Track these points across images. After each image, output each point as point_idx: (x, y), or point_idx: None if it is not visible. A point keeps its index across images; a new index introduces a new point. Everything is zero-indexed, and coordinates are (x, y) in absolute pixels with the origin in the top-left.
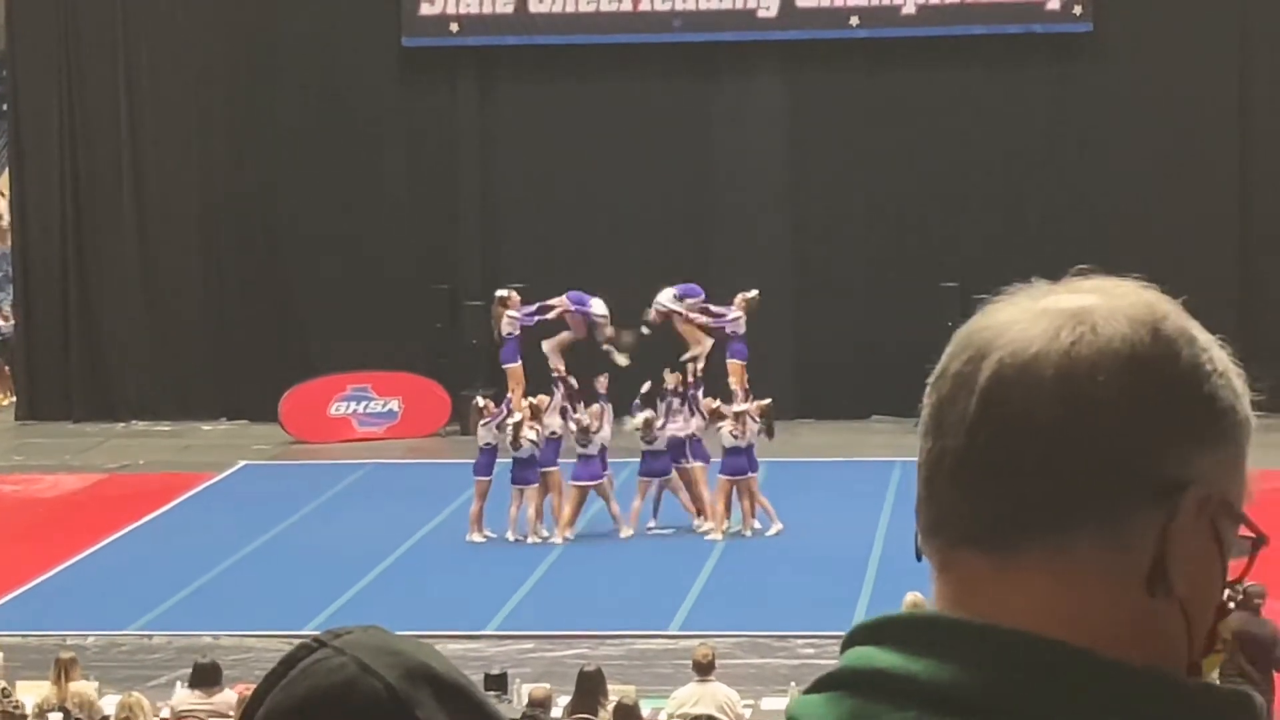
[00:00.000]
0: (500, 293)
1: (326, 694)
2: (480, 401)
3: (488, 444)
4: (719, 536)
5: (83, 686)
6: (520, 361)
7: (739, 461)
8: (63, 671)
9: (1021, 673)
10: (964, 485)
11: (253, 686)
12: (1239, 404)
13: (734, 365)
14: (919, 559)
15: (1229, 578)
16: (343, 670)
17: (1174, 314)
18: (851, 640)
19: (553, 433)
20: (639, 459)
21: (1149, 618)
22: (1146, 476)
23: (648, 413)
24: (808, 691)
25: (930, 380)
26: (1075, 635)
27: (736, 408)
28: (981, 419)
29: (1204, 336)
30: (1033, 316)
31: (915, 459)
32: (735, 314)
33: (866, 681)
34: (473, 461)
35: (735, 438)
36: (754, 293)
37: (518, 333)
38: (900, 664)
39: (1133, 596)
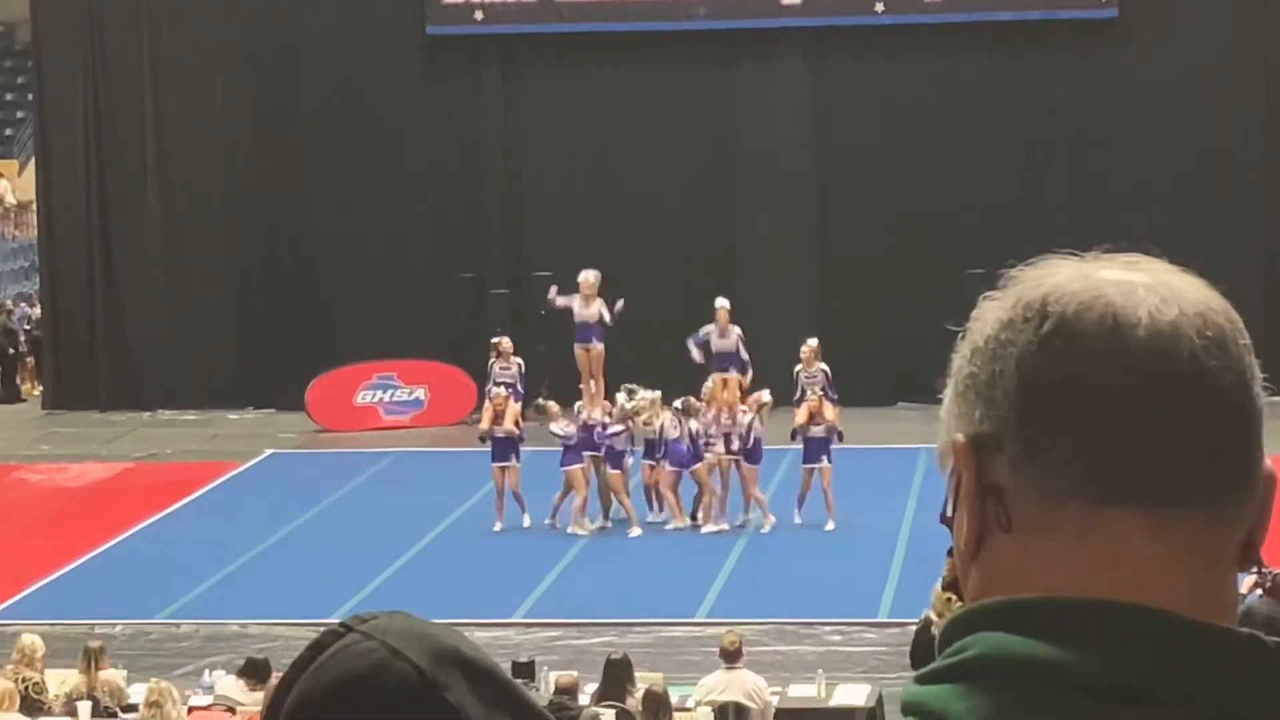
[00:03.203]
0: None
1: (357, 678)
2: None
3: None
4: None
5: (112, 675)
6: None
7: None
8: (92, 660)
9: (1185, 660)
10: (1138, 440)
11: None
12: None
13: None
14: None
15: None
16: (372, 654)
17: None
18: (969, 626)
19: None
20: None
21: (1235, 591)
22: (1261, 451)
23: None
24: (930, 681)
25: (1029, 337)
26: (1216, 612)
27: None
28: (1152, 374)
29: None
30: (1123, 286)
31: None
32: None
33: (1009, 671)
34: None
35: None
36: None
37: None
38: (1047, 652)
39: (1234, 569)
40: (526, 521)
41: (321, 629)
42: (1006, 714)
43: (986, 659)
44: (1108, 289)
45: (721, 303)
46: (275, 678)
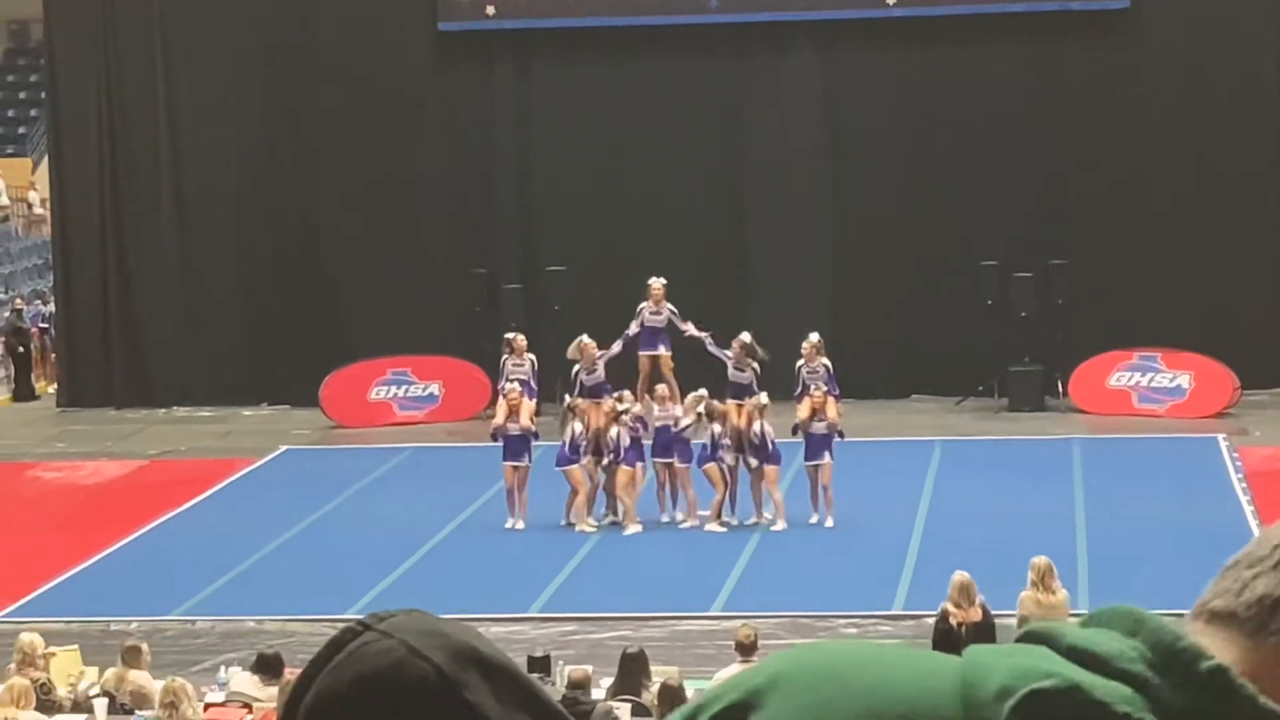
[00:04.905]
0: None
1: (375, 676)
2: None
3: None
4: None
5: (138, 676)
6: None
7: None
8: (127, 659)
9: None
10: None
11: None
12: None
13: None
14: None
15: None
16: (391, 653)
17: None
18: None
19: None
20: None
21: None
22: None
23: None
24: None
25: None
26: None
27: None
28: None
29: None
30: None
31: (960, 438)
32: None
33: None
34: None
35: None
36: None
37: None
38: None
39: None
40: (520, 524)
41: (337, 625)
42: (1146, 633)
43: (1124, 612)
44: None
45: (656, 281)
46: (289, 672)
